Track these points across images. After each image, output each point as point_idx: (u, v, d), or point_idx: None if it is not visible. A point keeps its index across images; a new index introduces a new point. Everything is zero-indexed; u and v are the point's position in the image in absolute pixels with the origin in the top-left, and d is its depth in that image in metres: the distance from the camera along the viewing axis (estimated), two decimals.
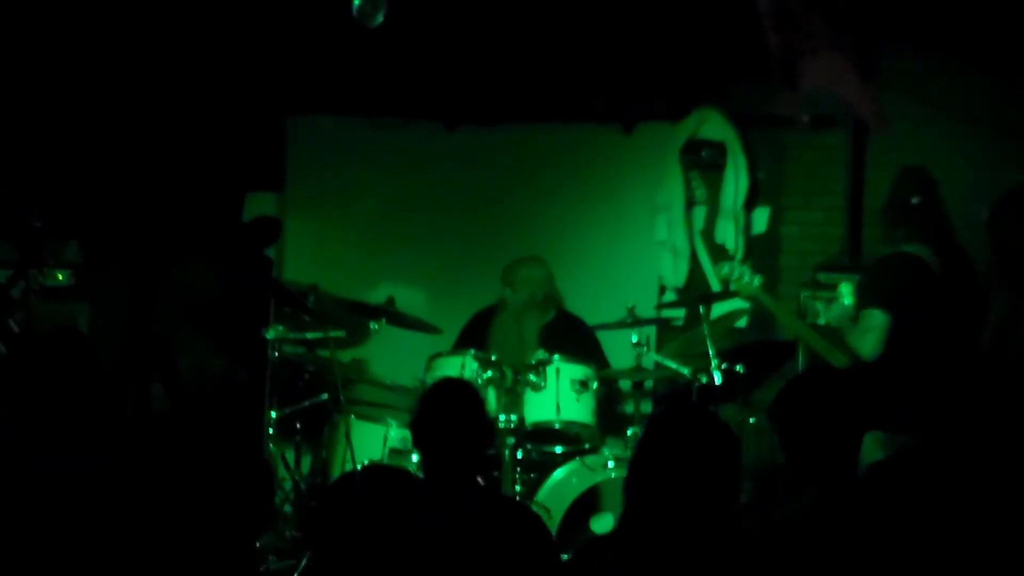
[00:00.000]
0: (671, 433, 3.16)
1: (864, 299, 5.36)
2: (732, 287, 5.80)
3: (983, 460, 4.71)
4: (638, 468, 3.20)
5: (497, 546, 3.54)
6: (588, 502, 5.71)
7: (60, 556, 3.76)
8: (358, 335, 6.68)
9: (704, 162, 7.04)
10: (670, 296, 7.05)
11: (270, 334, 6.12)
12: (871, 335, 5.21)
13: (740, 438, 5.97)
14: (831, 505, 3.29)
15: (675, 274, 7.01)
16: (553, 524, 5.60)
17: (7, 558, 3.69)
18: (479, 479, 3.84)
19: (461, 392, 3.83)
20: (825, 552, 3.20)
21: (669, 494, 3.08)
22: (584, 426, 5.97)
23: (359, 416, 6.03)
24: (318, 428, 6.24)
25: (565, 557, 4.00)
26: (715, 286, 7.01)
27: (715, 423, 3.20)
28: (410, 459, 5.77)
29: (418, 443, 3.77)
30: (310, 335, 6.30)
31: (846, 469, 3.36)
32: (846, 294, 5.71)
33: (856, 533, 3.20)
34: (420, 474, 5.15)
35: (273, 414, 6.08)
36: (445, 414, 3.71)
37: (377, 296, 6.56)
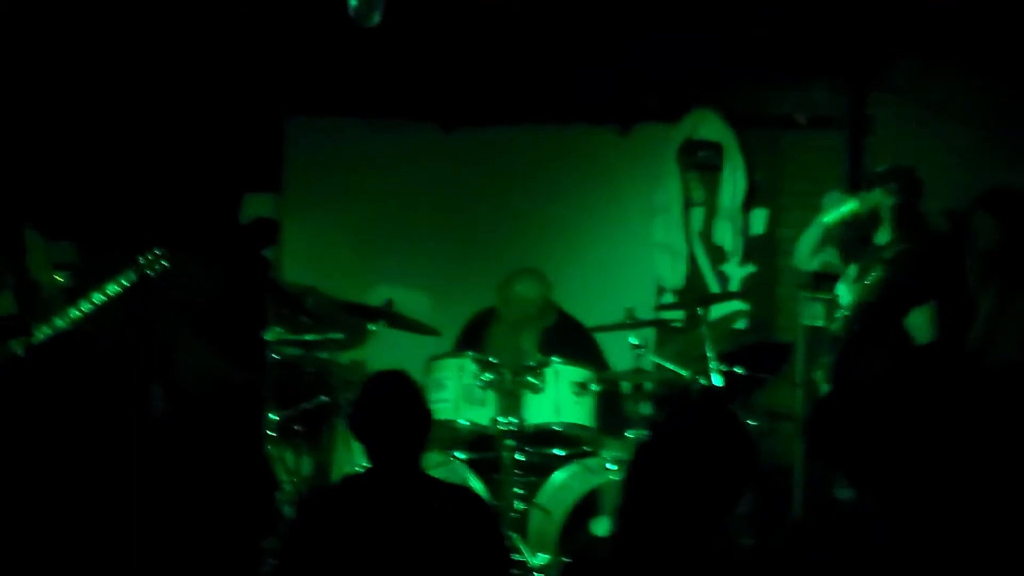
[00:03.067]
0: (684, 434, 3.01)
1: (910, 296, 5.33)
2: None
3: (978, 459, 4.72)
4: (642, 468, 3.06)
5: (446, 533, 3.55)
6: (589, 505, 5.70)
7: (61, 557, 3.76)
8: (357, 337, 6.66)
9: (701, 163, 7.04)
10: (668, 297, 7.05)
11: (269, 336, 6.10)
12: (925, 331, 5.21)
13: None
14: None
15: (673, 275, 7.01)
16: (554, 527, 5.60)
17: (8, 558, 3.69)
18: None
19: (398, 383, 3.83)
20: None
21: (672, 499, 2.95)
22: (584, 428, 5.95)
23: None
24: (317, 430, 6.22)
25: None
26: (713, 287, 7.01)
27: (735, 427, 2.99)
28: None
29: (360, 436, 3.78)
30: (309, 337, 6.27)
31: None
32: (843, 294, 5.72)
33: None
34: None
35: (272, 416, 6.07)
36: (385, 405, 3.73)
37: (375, 298, 6.54)
